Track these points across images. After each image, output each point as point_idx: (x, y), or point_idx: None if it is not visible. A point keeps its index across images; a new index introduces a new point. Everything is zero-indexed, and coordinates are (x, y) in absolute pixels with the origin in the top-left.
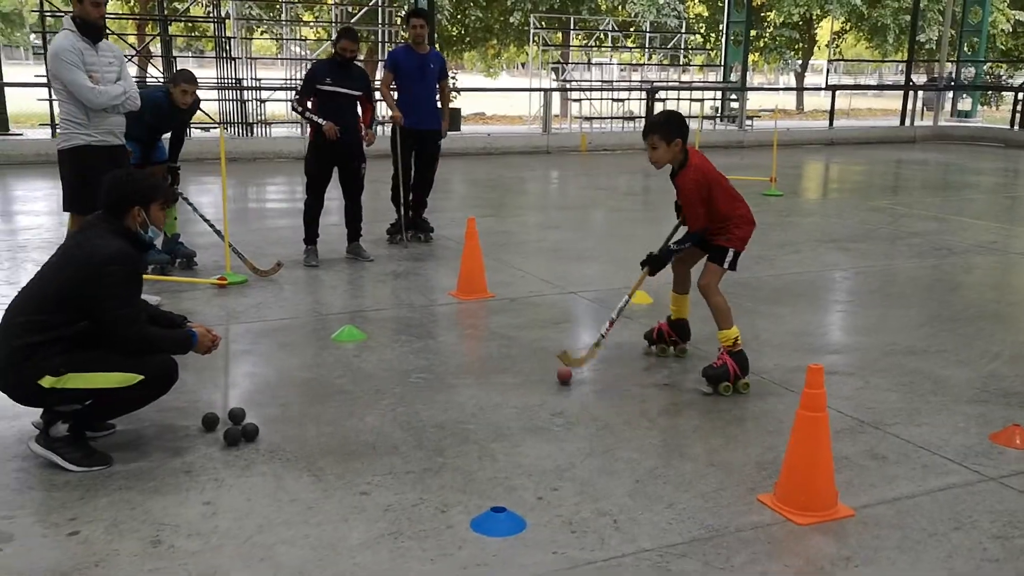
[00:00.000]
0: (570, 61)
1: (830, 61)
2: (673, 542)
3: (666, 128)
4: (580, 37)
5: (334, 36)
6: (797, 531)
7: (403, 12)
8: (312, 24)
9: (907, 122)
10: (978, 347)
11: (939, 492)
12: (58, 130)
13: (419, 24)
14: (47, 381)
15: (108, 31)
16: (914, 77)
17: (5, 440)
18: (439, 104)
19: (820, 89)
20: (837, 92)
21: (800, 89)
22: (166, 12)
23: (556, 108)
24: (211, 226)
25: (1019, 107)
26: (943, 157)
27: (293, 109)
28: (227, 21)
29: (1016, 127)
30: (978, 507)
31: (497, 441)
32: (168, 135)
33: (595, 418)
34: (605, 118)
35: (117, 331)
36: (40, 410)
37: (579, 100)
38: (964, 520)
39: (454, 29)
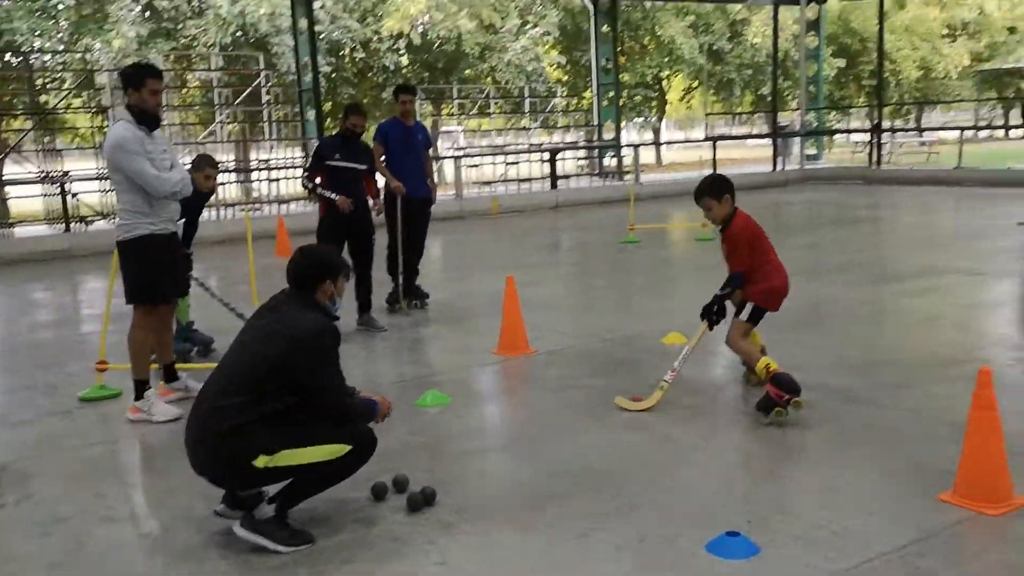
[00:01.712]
0: (446, 129)
1: (708, 115)
2: (901, 543)
3: (715, 189)
4: (450, 106)
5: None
6: (996, 521)
7: (281, 92)
8: (188, 108)
9: (778, 167)
10: None
11: None
12: (118, 221)
13: (407, 100)
14: (261, 461)
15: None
16: (766, 126)
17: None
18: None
19: (702, 141)
20: (698, 143)
21: (690, 141)
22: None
23: (449, 175)
24: (230, 308)
25: (874, 147)
26: (823, 195)
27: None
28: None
29: (873, 165)
30: None
31: (660, 477)
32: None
33: (735, 447)
34: (511, 181)
35: (327, 401)
36: (220, 495)
37: (477, 165)
38: None
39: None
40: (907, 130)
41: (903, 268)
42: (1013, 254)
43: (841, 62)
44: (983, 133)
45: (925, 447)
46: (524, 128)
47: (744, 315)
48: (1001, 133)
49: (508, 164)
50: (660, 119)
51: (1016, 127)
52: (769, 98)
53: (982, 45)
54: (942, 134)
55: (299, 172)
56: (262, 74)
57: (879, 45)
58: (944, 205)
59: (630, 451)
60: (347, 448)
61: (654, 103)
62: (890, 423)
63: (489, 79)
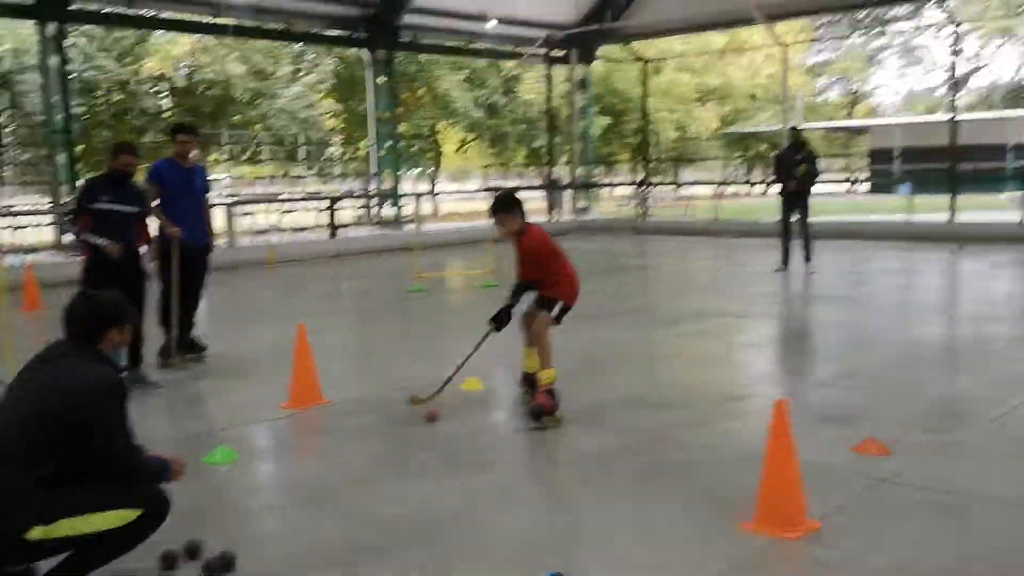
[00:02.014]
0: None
1: (484, 167)
2: (713, 574)
3: (508, 205)
4: (219, 152)
5: None
6: (796, 544)
7: (27, 134)
8: None
9: (555, 217)
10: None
11: (862, 492)
12: None
13: (185, 140)
14: (37, 532)
15: None
16: (539, 179)
17: None
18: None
19: (482, 191)
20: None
21: (486, 190)
22: None
23: (221, 222)
24: None
25: (642, 197)
26: (597, 245)
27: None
28: None
29: (641, 217)
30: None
31: (473, 522)
32: None
33: (544, 488)
34: (286, 230)
35: (114, 461)
36: None
37: (251, 214)
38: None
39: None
40: (667, 184)
41: (678, 312)
42: (772, 298)
43: (607, 120)
44: (731, 188)
45: (724, 479)
46: (298, 176)
47: (553, 313)
48: (747, 188)
49: (283, 212)
50: (436, 170)
51: (757, 183)
52: (542, 151)
53: (728, 109)
54: (694, 189)
55: (47, 219)
56: (4, 114)
57: (643, 107)
58: (706, 254)
59: (439, 498)
60: (137, 513)
61: (430, 154)
62: (688, 458)
63: (259, 125)
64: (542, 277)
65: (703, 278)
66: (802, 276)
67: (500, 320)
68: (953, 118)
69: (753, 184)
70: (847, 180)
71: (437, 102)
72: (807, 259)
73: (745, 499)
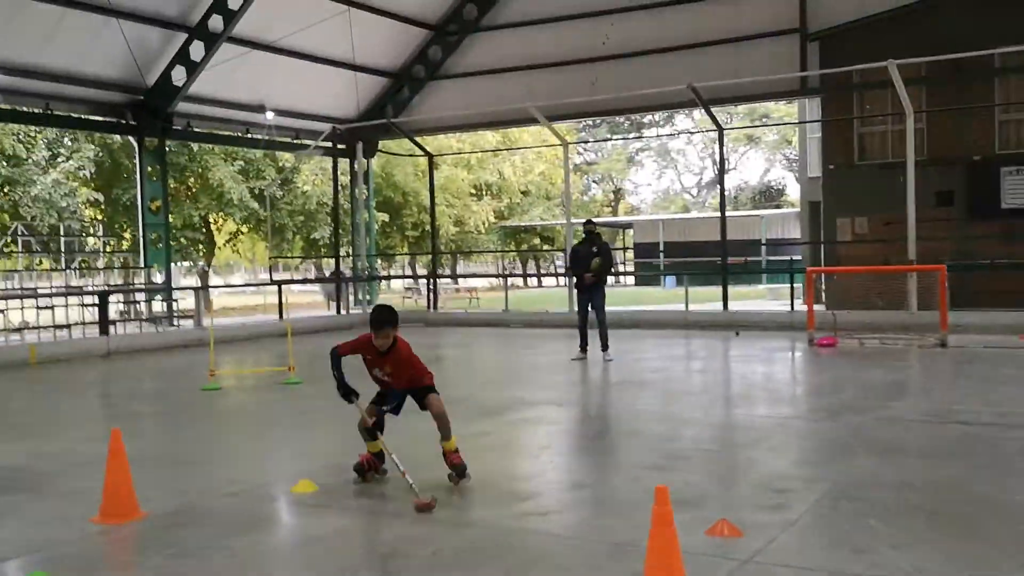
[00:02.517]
0: None
1: (272, 258)
2: None
3: (396, 319)
4: None
5: None
6: None
7: None
8: None
9: (342, 311)
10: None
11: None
12: None
13: None
14: None
15: None
16: (314, 272)
17: None
18: None
19: (267, 284)
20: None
21: (252, 284)
22: None
23: None
24: None
25: (430, 290)
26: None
27: None
28: None
29: (430, 308)
30: None
31: None
32: None
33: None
34: (47, 327)
35: None
36: None
37: (3, 310)
38: None
39: None
40: (453, 276)
41: (499, 402)
42: (582, 385)
43: (386, 216)
44: (510, 280)
45: (599, 569)
46: (56, 269)
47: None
48: (526, 279)
49: (40, 309)
50: (209, 263)
51: (536, 275)
52: (320, 244)
53: (503, 204)
54: (472, 281)
55: None
56: None
57: (431, 200)
58: (504, 343)
59: None
60: None
61: (202, 246)
62: (558, 549)
63: (10, 215)
64: (413, 374)
65: (510, 368)
66: (601, 363)
67: (372, 432)
68: (723, 215)
69: (538, 276)
70: (615, 273)
71: (209, 192)
72: (604, 347)
73: None
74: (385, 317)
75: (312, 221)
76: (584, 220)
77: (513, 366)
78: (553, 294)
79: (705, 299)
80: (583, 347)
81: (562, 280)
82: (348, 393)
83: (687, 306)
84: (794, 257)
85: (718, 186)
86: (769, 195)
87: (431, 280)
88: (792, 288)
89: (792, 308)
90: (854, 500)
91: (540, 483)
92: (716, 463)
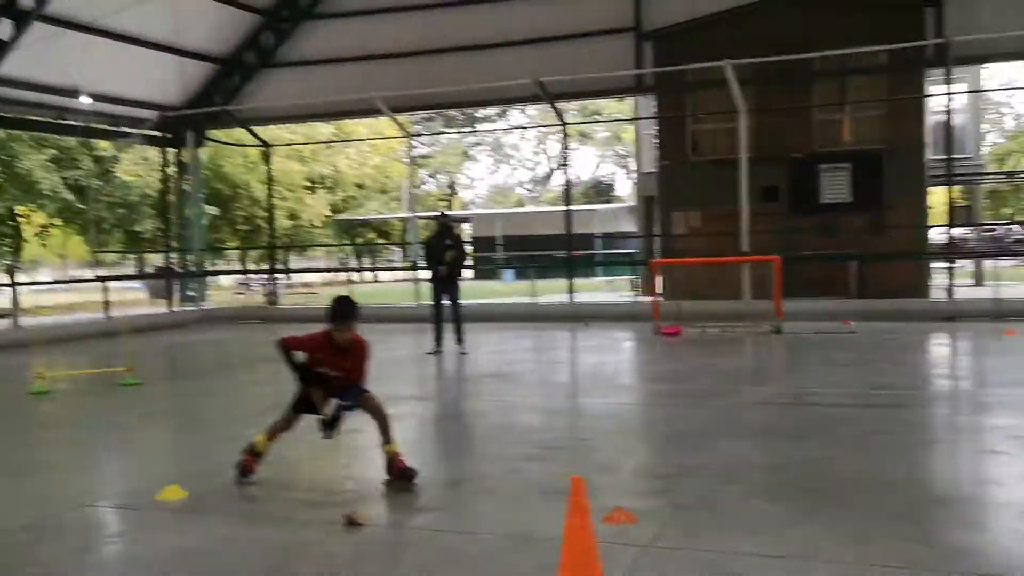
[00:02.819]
0: None
1: (95, 252)
2: None
3: (357, 312)
4: None
5: None
6: None
7: None
8: None
9: (172, 308)
10: None
11: (637, 560)
12: None
13: None
14: None
15: None
16: (138, 267)
17: None
18: None
19: (90, 280)
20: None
21: (78, 280)
22: None
23: None
24: None
25: (270, 285)
26: (232, 335)
27: None
28: None
29: (271, 304)
30: None
31: None
32: None
33: None
34: None
35: None
36: None
37: None
38: None
39: None
40: (294, 271)
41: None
42: (441, 380)
43: (215, 209)
44: (347, 275)
45: (505, 564)
46: None
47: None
48: (367, 274)
49: None
50: (17, 258)
51: (377, 270)
52: (143, 238)
53: (338, 198)
54: (306, 276)
55: None
56: None
57: (269, 195)
58: None
59: None
60: None
61: (9, 240)
62: (457, 545)
63: None
64: (359, 371)
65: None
66: (456, 357)
67: (330, 427)
68: (568, 209)
69: (374, 271)
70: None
71: (18, 183)
72: (459, 340)
73: None
74: (348, 309)
75: (134, 214)
76: (438, 213)
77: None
78: (392, 289)
79: (545, 292)
80: (438, 341)
81: (401, 275)
82: (308, 377)
83: (534, 298)
84: (628, 250)
85: (551, 181)
86: (600, 190)
87: (271, 276)
88: (634, 280)
89: (636, 299)
90: (735, 482)
91: (422, 480)
92: (592, 452)
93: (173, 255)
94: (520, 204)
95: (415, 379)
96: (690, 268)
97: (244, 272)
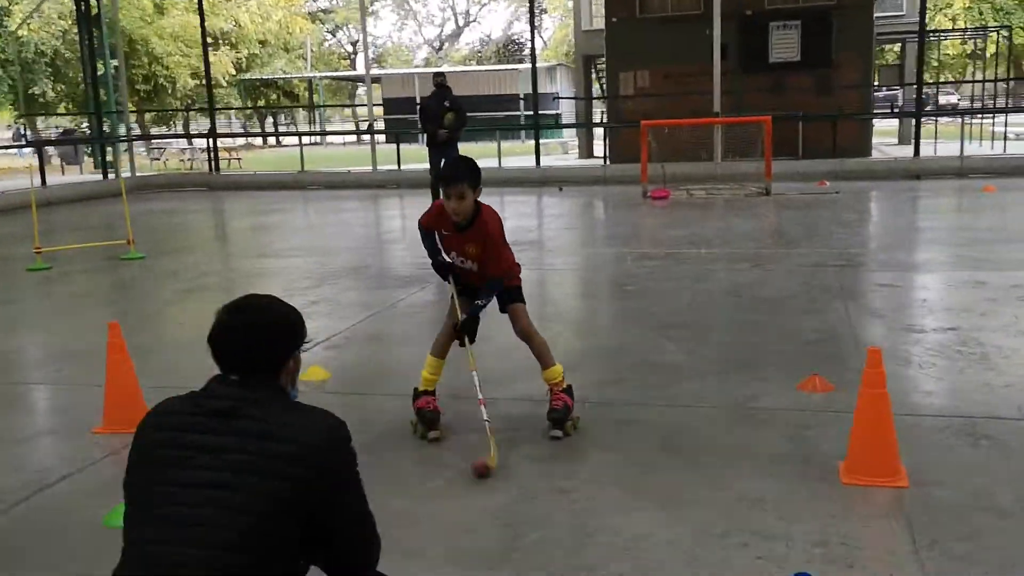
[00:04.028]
0: None
1: (19, 117)
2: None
3: (476, 175)
4: None
5: None
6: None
7: None
8: None
9: (110, 175)
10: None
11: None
12: None
13: None
14: None
15: None
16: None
17: None
18: None
19: (23, 146)
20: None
21: (16, 146)
22: None
23: None
24: None
25: (211, 154)
26: (182, 204)
27: None
28: None
29: (214, 171)
30: None
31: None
32: None
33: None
34: None
35: (360, 546)
36: None
37: None
38: None
39: None
40: (237, 135)
41: (408, 273)
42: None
43: (115, 61)
44: (257, 141)
45: (742, 439)
46: None
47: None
48: (272, 139)
49: None
50: None
51: (276, 135)
52: (38, 99)
53: (242, 56)
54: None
55: None
56: None
57: (204, 49)
58: (330, 208)
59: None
60: None
61: None
62: (684, 420)
63: None
64: (491, 258)
65: (374, 235)
66: None
67: (469, 327)
68: (534, 68)
69: (276, 135)
70: (358, 130)
71: None
72: None
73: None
74: (459, 170)
75: (30, 73)
76: (434, 72)
77: (374, 233)
78: (318, 154)
79: (480, 155)
80: None
81: (318, 139)
82: (443, 267)
83: (499, 163)
84: (556, 111)
85: (460, 40)
86: (513, 48)
87: (211, 139)
88: (591, 141)
89: (605, 163)
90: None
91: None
92: (728, 322)
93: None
94: (427, 64)
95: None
96: (634, 130)
97: (188, 136)
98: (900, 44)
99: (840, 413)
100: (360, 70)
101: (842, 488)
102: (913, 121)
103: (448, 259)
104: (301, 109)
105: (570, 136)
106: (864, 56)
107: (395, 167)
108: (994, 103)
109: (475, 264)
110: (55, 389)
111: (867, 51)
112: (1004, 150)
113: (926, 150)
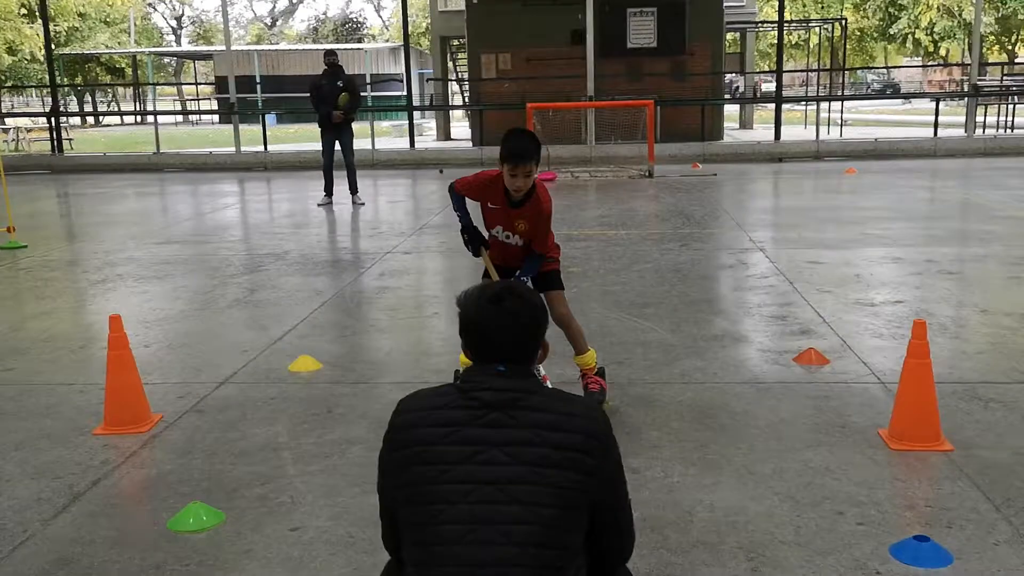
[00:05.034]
0: None
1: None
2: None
3: (540, 151)
4: None
5: None
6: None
7: None
8: None
9: None
10: None
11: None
12: None
13: None
14: None
15: None
16: None
17: None
18: None
19: None
20: None
21: None
22: None
23: None
24: None
25: (53, 135)
26: (41, 188)
27: None
28: None
29: (57, 152)
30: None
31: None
32: None
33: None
34: None
35: (623, 533)
36: None
37: None
38: None
39: None
40: (119, 113)
41: (329, 257)
42: (378, 232)
43: None
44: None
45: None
46: None
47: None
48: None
49: None
50: None
51: (95, 114)
52: None
53: (61, 29)
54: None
55: None
56: None
57: (44, 20)
58: (222, 189)
59: None
60: None
61: None
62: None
63: None
64: (538, 237)
65: (267, 220)
66: (352, 207)
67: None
68: (406, 44)
69: (96, 115)
70: (186, 111)
71: None
72: (354, 190)
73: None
74: (530, 145)
75: None
76: (326, 51)
77: (273, 217)
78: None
79: (306, 139)
80: (328, 191)
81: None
82: (476, 240)
83: (373, 144)
84: (399, 93)
85: (294, 16)
86: (352, 28)
87: (54, 118)
88: (448, 124)
89: (477, 144)
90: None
91: None
92: (691, 300)
93: None
94: (259, 40)
95: (356, 232)
96: (503, 113)
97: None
98: (740, 33)
99: (850, 384)
100: (192, 46)
101: (895, 454)
102: (755, 107)
103: (489, 232)
104: (122, 87)
105: (420, 118)
106: (715, 44)
107: (261, 148)
108: (829, 90)
109: (521, 240)
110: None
111: (718, 39)
112: (840, 134)
113: (765, 135)
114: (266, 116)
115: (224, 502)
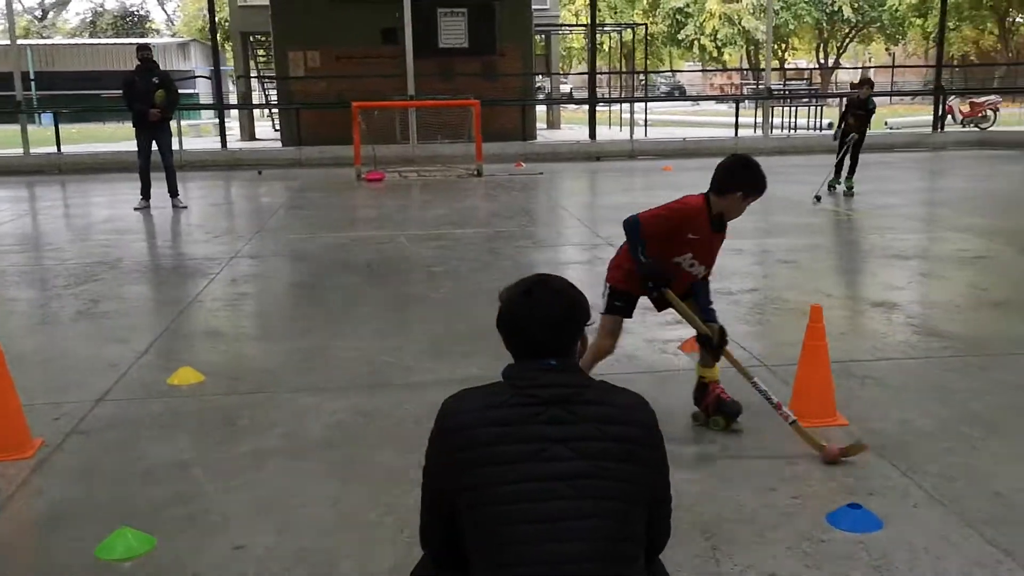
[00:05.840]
0: None
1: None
2: None
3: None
4: None
5: None
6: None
7: None
8: None
9: None
10: None
11: None
12: None
13: None
14: None
15: None
16: None
17: None
18: None
19: None
20: None
21: None
22: None
23: None
24: None
25: None
26: None
27: None
28: None
29: None
30: None
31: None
32: None
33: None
34: None
35: (666, 521)
36: None
37: None
38: None
39: None
40: None
41: (96, 260)
42: (219, 235)
43: None
44: None
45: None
46: None
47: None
48: None
49: None
50: None
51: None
52: None
53: None
54: None
55: None
56: None
57: None
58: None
59: None
60: None
61: None
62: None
63: None
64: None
65: (99, 222)
66: (173, 211)
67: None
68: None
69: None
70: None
71: None
72: (174, 193)
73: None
74: (760, 175)
75: None
76: (139, 45)
77: (89, 223)
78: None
79: (98, 139)
80: (146, 194)
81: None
82: (661, 278)
83: (180, 144)
84: (191, 91)
85: (67, 9)
86: (133, 22)
87: None
88: (252, 123)
89: (297, 144)
90: None
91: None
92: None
93: None
94: (28, 33)
95: (189, 237)
96: (319, 112)
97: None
98: (545, 36)
99: None
100: None
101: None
102: (561, 107)
103: (676, 260)
104: None
105: (208, 118)
106: (525, 45)
107: (53, 149)
108: (632, 92)
109: (705, 269)
110: None
111: (527, 41)
112: (645, 134)
113: (578, 134)
114: (42, 116)
115: (149, 526)
